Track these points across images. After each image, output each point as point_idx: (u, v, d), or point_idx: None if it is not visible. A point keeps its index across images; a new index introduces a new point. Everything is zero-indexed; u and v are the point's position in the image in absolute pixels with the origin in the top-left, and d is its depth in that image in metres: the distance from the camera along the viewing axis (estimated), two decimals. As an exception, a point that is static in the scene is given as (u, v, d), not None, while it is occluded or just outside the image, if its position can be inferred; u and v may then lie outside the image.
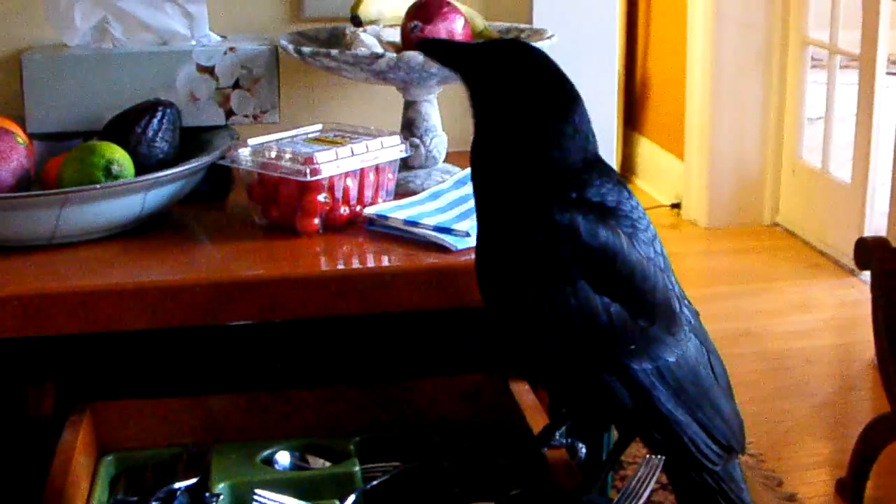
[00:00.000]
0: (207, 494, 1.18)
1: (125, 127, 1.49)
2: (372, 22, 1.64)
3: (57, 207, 1.33)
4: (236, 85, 1.61)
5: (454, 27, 1.56)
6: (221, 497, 1.19)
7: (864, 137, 3.86)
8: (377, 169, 1.47)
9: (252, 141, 1.46)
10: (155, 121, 1.50)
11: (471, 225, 1.36)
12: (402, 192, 1.54)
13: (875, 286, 2.36)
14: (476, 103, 1.09)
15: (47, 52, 1.60)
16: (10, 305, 1.24)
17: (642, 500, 1.15)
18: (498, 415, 1.33)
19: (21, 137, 1.46)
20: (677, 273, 1.11)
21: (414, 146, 1.59)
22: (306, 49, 1.55)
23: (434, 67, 1.48)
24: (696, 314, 1.12)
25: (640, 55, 4.99)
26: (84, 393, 1.31)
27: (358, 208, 1.46)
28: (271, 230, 1.44)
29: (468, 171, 1.14)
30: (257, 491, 1.19)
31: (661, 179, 4.79)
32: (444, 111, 1.65)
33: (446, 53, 1.15)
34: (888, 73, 3.92)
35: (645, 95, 4.97)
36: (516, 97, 1.06)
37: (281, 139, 1.48)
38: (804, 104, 4.27)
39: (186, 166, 1.43)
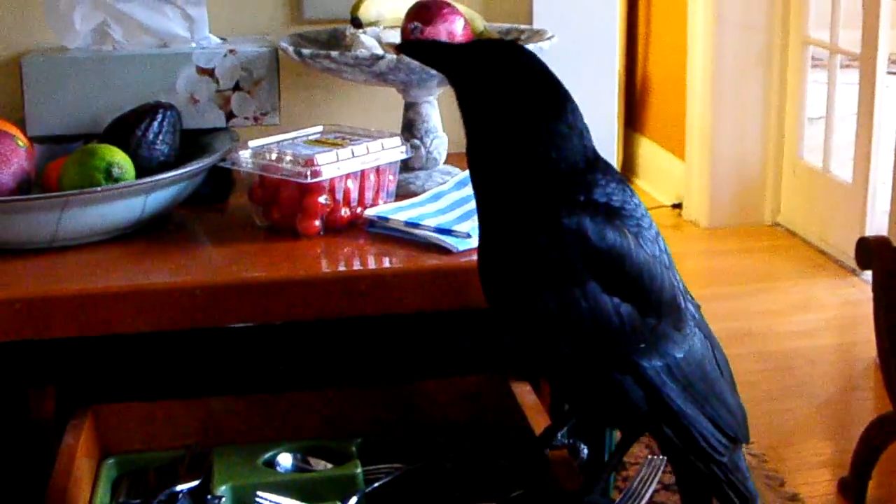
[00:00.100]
0: (209, 497, 1.18)
1: (125, 129, 1.49)
2: (372, 23, 1.64)
3: (58, 210, 1.33)
4: (237, 87, 1.61)
5: (454, 28, 1.56)
6: (223, 499, 1.19)
7: (864, 137, 3.86)
8: (378, 170, 1.47)
9: (252, 143, 1.46)
10: (155, 123, 1.50)
11: (472, 226, 1.36)
12: (402, 193, 1.54)
13: (876, 286, 2.36)
14: (465, 105, 1.09)
15: (47, 55, 1.60)
16: (10, 308, 1.24)
17: (644, 501, 1.16)
18: (499, 416, 1.33)
19: (21, 140, 1.46)
20: (680, 276, 1.12)
21: (414, 147, 1.59)
22: (306, 51, 1.55)
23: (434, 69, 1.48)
24: (697, 307, 1.14)
25: (640, 55, 4.99)
26: (85, 396, 1.31)
27: (359, 210, 1.46)
28: (272, 232, 1.44)
29: (469, 172, 1.14)
30: (259, 493, 1.19)
31: (662, 180, 4.78)
32: (445, 112, 1.65)
33: (432, 55, 1.15)
34: (889, 73, 3.92)
35: (645, 96, 4.97)
36: (506, 98, 1.05)
37: (281, 141, 1.48)
38: (805, 104, 4.27)
39: (187, 169, 1.43)
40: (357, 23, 1.63)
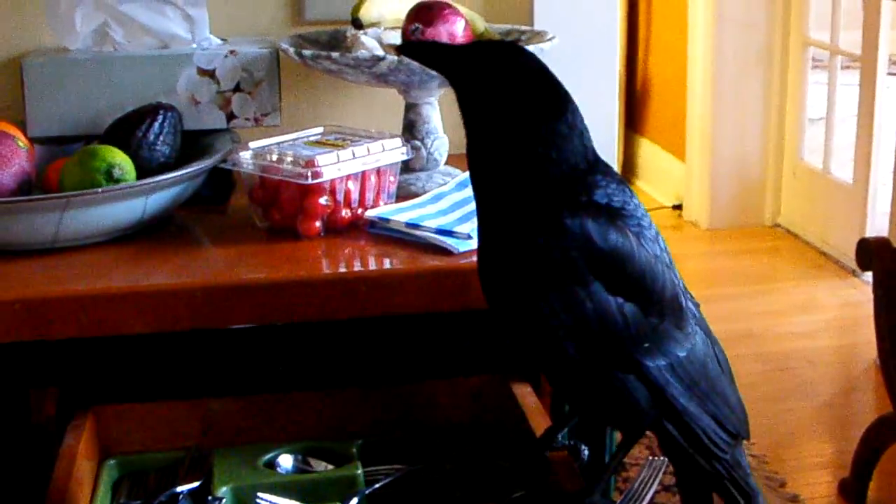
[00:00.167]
0: (210, 498, 1.18)
1: (126, 131, 1.49)
2: (373, 24, 1.64)
3: (58, 211, 1.33)
4: (237, 88, 1.61)
5: (455, 29, 1.56)
6: (224, 500, 1.19)
7: (865, 138, 3.86)
8: (378, 171, 1.47)
9: (253, 144, 1.46)
10: (156, 124, 1.50)
11: (473, 227, 1.36)
12: (403, 194, 1.54)
13: (877, 287, 2.36)
14: (465, 106, 1.09)
15: (48, 57, 1.60)
16: (12, 309, 1.24)
17: (645, 502, 1.16)
18: (500, 417, 1.33)
19: (22, 141, 1.46)
20: (680, 275, 1.12)
21: (415, 149, 1.59)
22: (307, 52, 1.55)
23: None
24: (697, 306, 1.14)
25: (640, 56, 4.99)
26: (86, 397, 1.31)
27: (359, 211, 1.46)
28: (273, 233, 1.44)
29: (469, 173, 1.14)
30: (260, 494, 1.19)
31: (663, 181, 4.78)
32: (446, 113, 1.65)
33: (432, 56, 1.15)
34: (889, 74, 3.92)
35: (646, 97, 4.97)
36: (506, 99, 1.05)
37: (282, 142, 1.48)
38: (805, 105, 4.27)
39: (188, 170, 1.43)
40: (358, 24, 1.63)
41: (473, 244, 1.34)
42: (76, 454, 1.19)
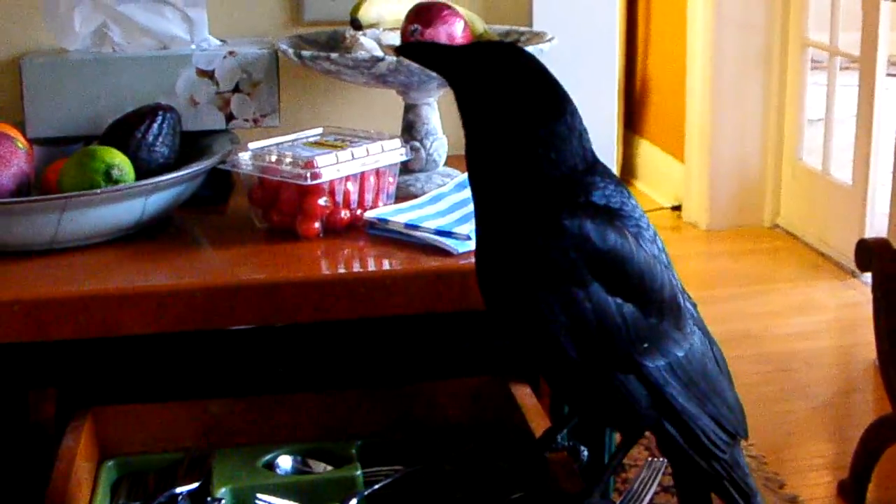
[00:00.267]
0: (209, 499, 1.18)
1: (125, 131, 1.49)
2: (372, 25, 1.64)
3: (57, 212, 1.33)
4: (236, 89, 1.61)
5: (454, 30, 1.56)
6: (223, 501, 1.19)
7: (864, 139, 3.86)
8: (377, 172, 1.47)
9: (252, 145, 1.46)
10: (155, 125, 1.50)
11: (472, 228, 1.36)
12: (402, 195, 1.54)
13: (876, 287, 2.36)
14: (464, 107, 1.09)
15: (47, 57, 1.60)
16: (10, 310, 1.24)
17: (644, 503, 1.16)
18: (499, 418, 1.33)
19: (21, 142, 1.45)
20: (678, 275, 1.12)
21: (414, 149, 1.59)
22: (306, 53, 1.55)
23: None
24: (695, 306, 1.15)
25: (640, 57, 4.99)
26: (85, 398, 1.31)
27: (358, 212, 1.46)
28: (272, 234, 1.44)
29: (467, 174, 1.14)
30: (259, 495, 1.19)
31: (662, 182, 4.79)
32: (445, 114, 1.65)
33: (430, 57, 1.15)
34: (888, 75, 3.92)
35: (645, 98, 4.98)
36: (505, 100, 1.05)
37: (281, 143, 1.48)
38: (804, 106, 4.27)
39: (187, 171, 1.43)
40: (357, 25, 1.63)
41: (472, 245, 1.34)
42: (75, 455, 1.19)
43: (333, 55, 1.52)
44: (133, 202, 1.39)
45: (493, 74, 1.06)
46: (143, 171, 1.45)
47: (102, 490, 1.23)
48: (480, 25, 1.69)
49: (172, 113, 1.53)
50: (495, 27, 1.73)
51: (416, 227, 1.40)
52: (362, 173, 1.45)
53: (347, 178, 1.43)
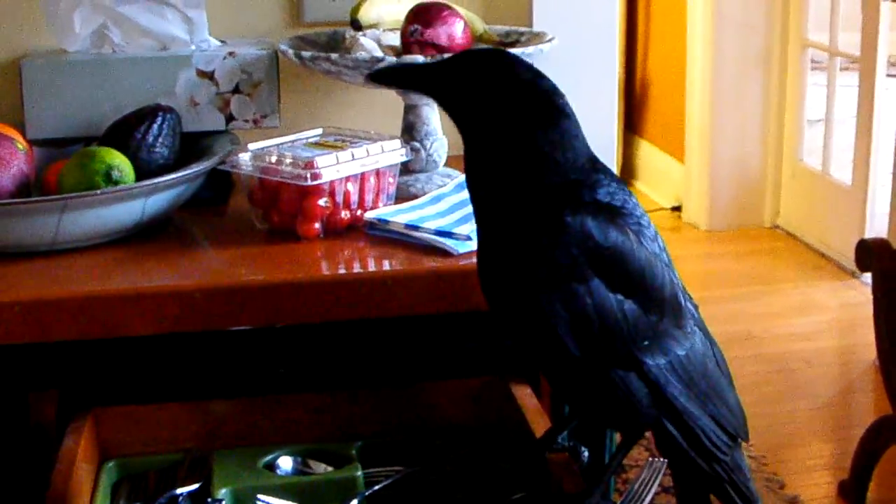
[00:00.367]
0: (210, 500, 1.18)
1: (125, 132, 1.49)
2: (372, 26, 1.64)
3: (57, 213, 1.33)
4: (236, 90, 1.61)
5: (454, 31, 1.56)
6: (223, 502, 1.19)
7: (864, 139, 3.86)
8: (378, 173, 1.47)
9: (252, 146, 1.46)
10: (155, 126, 1.50)
11: (472, 229, 1.36)
12: (402, 196, 1.54)
13: (876, 288, 2.36)
14: (456, 120, 1.08)
15: (47, 58, 1.60)
16: (11, 311, 1.24)
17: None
18: (500, 418, 1.33)
19: (21, 143, 1.45)
20: (677, 272, 1.12)
21: (414, 150, 1.59)
22: (306, 53, 1.55)
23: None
24: (696, 307, 1.15)
25: (639, 58, 4.99)
26: (86, 399, 1.31)
27: (359, 213, 1.46)
28: (272, 235, 1.44)
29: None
30: (260, 496, 1.19)
31: (662, 182, 4.79)
32: (445, 115, 1.65)
33: (407, 78, 1.14)
34: (888, 75, 3.92)
35: (645, 98, 4.98)
36: (498, 113, 1.05)
37: (281, 144, 1.48)
38: (804, 106, 4.27)
39: (187, 171, 1.43)
40: (357, 25, 1.63)
41: (473, 245, 1.34)
42: (76, 456, 1.19)
43: (333, 56, 1.52)
44: (133, 203, 1.39)
45: (480, 90, 1.05)
46: (142, 172, 1.44)
47: (103, 491, 1.23)
48: (480, 26, 1.69)
49: (172, 114, 1.53)
50: (495, 27, 1.73)
51: (416, 228, 1.40)
52: (362, 174, 1.45)
53: (347, 179, 1.43)
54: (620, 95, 4.78)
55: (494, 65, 1.07)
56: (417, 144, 1.61)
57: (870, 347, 2.72)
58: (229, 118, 1.62)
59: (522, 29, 1.73)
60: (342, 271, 1.37)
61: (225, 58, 1.60)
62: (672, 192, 4.67)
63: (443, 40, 1.55)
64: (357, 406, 1.32)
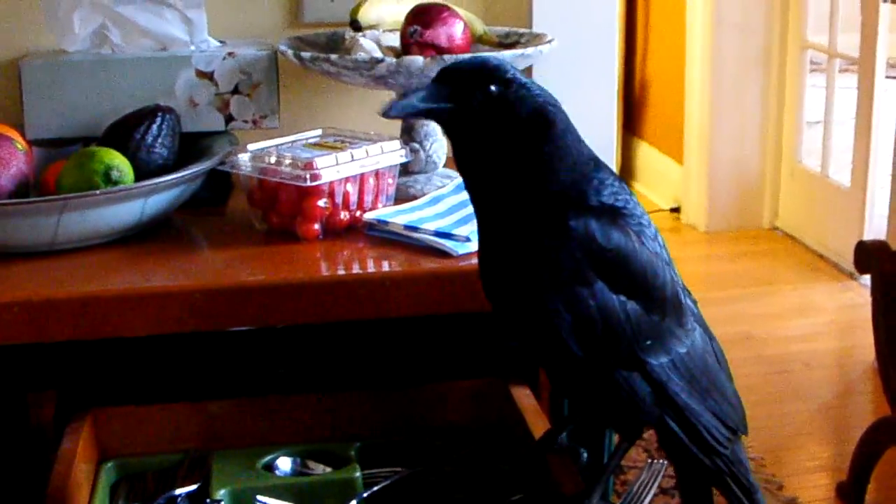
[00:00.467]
0: (208, 501, 1.18)
1: (124, 133, 1.49)
2: (371, 26, 1.64)
3: (56, 213, 1.33)
4: (236, 90, 1.61)
5: (453, 32, 1.56)
6: (222, 503, 1.19)
7: (863, 141, 3.86)
8: (377, 174, 1.47)
9: (252, 146, 1.46)
10: (154, 126, 1.50)
11: (471, 230, 1.36)
12: (402, 197, 1.54)
13: (875, 289, 2.36)
14: (456, 141, 1.07)
15: (46, 59, 1.60)
16: (10, 312, 1.24)
17: (644, 505, 1.16)
18: (499, 419, 1.33)
19: (20, 143, 1.45)
20: (677, 271, 1.12)
21: (414, 151, 1.59)
22: (306, 54, 1.55)
23: (434, 72, 1.47)
24: (695, 303, 1.15)
25: (639, 59, 4.99)
26: (85, 399, 1.31)
27: (358, 213, 1.46)
28: (271, 236, 1.44)
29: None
30: (258, 497, 1.19)
31: (661, 184, 4.79)
32: (444, 116, 1.65)
33: (419, 115, 1.13)
34: (887, 77, 3.92)
35: (644, 99, 4.98)
36: (496, 131, 1.04)
37: (280, 144, 1.48)
38: (803, 108, 4.28)
39: (186, 172, 1.43)
40: (356, 26, 1.63)
41: (472, 247, 1.34)
42: (74, 457, 1.19)
43: (333, 56, 1.52)
44: (132, 203, 1.39)
45: (481, 129, 1.04)
46: (142, 173, 1.44)
47: (102, 491, 1.23)
48: (480, 26, 1.69)
49: (172, 114, 1.53)
50: (495, 28, 1.73)
51: (415, 229, 1.40)
52: (362, 175, 1.45)
53: (347, 180, 1.43)
54: (620, 96, 4.78)
55: (482, 86, 1.04)
56: (417, 145, 1.61)
57: (868, 349, 2.72)
58: (229, 119, 1.62)
59: (522, 30, 1.73)
60: (341, 272, 1.37)
61: (224, 58, 1.60)
62: (671, 193, 4.67)
63: (442, 41, 1.55)
64: (356, 407, 1.32)
